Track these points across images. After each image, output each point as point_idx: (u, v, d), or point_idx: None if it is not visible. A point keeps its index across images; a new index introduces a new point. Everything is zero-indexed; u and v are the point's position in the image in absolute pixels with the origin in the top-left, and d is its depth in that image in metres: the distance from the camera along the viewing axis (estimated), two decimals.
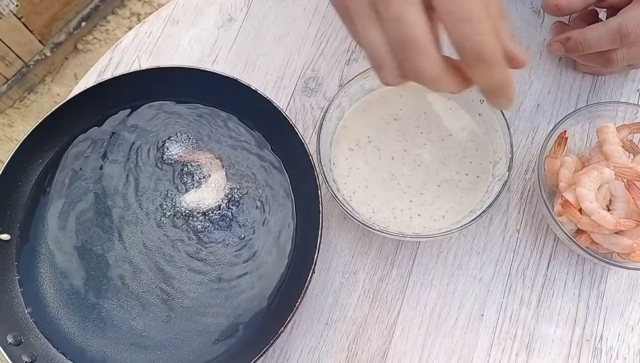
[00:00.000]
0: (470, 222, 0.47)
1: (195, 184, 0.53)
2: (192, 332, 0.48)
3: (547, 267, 0.52)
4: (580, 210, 0.47)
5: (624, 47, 0.49)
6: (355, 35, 0.36)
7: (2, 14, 1.22)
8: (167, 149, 0.54)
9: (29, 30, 1.32)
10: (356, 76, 0.51)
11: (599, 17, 0.55)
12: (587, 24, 0.53)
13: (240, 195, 0.52)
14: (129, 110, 0.55)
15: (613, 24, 0.48)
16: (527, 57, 0.35)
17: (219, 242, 0.51)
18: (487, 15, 0.32)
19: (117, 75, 0.53)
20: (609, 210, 0.47)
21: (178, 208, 0.52)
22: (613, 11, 0.51)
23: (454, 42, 0.32)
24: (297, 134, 0.50)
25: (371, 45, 0.34)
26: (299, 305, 0.45)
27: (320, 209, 0.47)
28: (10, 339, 0.46)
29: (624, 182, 0.47)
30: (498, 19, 0.33)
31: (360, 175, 0.51)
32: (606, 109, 0.51)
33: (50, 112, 0.52)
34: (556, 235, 0.52)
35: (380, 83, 0.36)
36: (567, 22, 0.57)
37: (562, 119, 0.50)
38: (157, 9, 0.72)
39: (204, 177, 0.53)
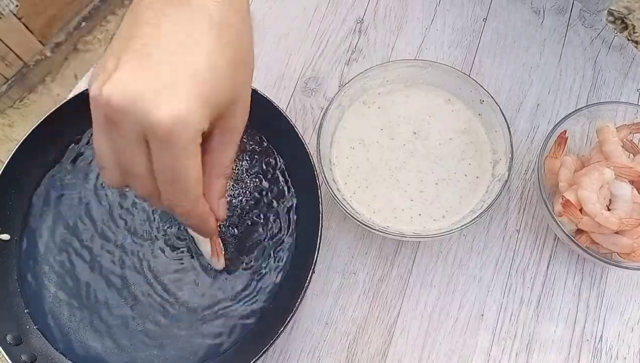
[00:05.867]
0: (470, 222, 0.47)
1: None
2: (191, 332, 0.48)
3: (547, 267, 0.52)
4: (581, 210, 0.47)
5: None
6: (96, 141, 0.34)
7: (2, 14, 1.22)
8: None
9: (29, 30, 1.32)
10: (356, 76, 0.51)
11: None
12: None
13: (239, 196, 0.52)
14: None
15: None
16: (222, 213, 0.38)
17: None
18: (196, 183, 0.34)
19: None
20: (608, 209, 0.47)
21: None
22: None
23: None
24: (297, 134, 0.50)
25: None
26: (299, 305, 0.45)
27: (320, 209, 0.47)
28: (10, 339, 0.46)
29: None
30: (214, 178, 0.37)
31: (360, 175, 0.51)
32: (606, 109, 0.51)
33: (51, 112, 0.52)
34: (556, 235, 0.52)
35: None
36: None
37: (562, 119, 0.50)
38: None
39: None
